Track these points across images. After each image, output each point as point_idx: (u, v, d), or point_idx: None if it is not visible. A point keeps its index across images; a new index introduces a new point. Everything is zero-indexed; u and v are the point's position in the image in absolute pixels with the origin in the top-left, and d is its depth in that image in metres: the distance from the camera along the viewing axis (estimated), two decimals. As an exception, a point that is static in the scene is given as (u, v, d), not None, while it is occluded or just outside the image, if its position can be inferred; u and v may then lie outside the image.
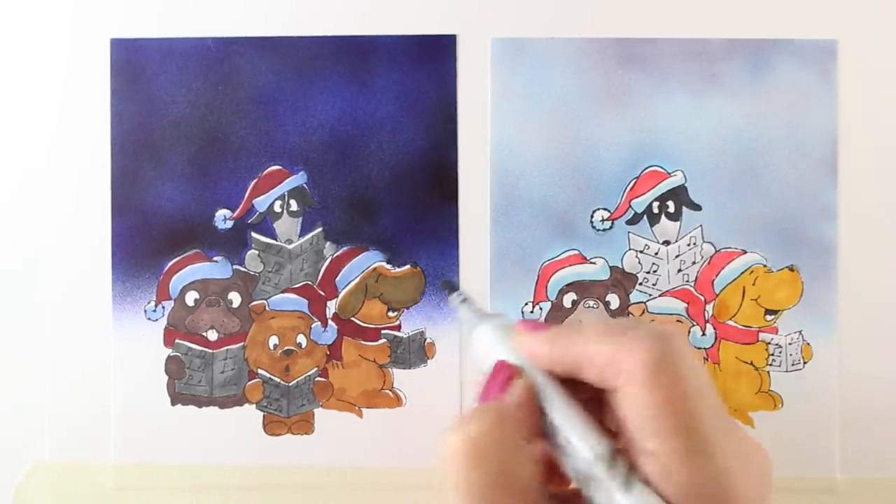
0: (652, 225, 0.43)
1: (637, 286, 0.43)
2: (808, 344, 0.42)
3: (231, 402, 0.43)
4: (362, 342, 0.43)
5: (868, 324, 0.42)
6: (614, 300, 0.43)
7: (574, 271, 0.43)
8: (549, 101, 0.43)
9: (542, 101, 0.43)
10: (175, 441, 0.43)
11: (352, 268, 0.43)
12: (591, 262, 0.43)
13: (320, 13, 0.43)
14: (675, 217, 0.43)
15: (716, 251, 0.43)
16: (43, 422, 0.43)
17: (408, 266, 0.43)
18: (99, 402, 0.43)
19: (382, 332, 0.43)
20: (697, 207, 0.43)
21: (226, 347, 0.43)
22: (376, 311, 0.43)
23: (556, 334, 0.26)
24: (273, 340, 0.43)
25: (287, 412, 0.43)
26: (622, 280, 0.43)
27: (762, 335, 0.43)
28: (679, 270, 0.43)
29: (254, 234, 0.43)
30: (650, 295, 0.43)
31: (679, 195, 0.43)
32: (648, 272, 0.43)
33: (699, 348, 0.43)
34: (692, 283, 0.43)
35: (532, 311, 0.43)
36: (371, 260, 0.43)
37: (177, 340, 0.43)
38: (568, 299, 0.43)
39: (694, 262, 0.43)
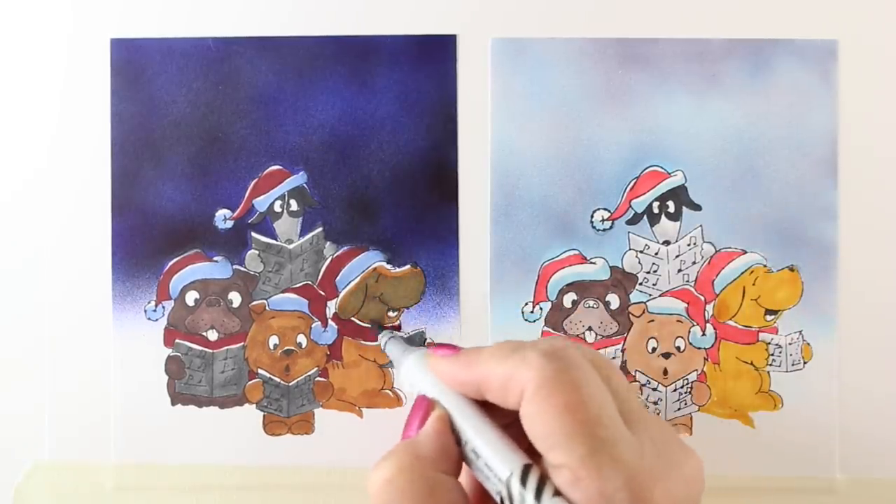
0: (652, 225, 0.43)
1: (637, 286, 0.43)
2: (808, 344, 0.42)
3: (231, 402, 0.43)
4: (362, 342, 0.43)
5: (868, 324, 0.42)
6: (614, 300, 0.43)
7: (574, 271, 0.43)
8: (549, 101, 0.43)
9: (542, 101, 0.43)
10: (175, 441, 0.43)
11: (352, 268, 0.43)
12: (592, 262, 0.43)
13: (320, 13, 0.43)
14: (675, 217, 0.43)
15: (716, 251, 0.43)
16: (43, 422, 0.43)
17: (408, 266, 0.43)
18: (99, 402, 0.43)
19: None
20: (697, 207, 0.43)
21: (226, 347, 0.43)
22: (376, 311, 0.43)
23: (463, 356, 0.27)
24: (273, 340, 0.43)
25: (287, 412, 0.43)
26: (622, 280, 0.43)
27: (762, 335, 0.43)
28: (679, 270, 0.43)
29: (254, 234, 0.43)
30: (650, 295, 0.43)
31: (679, 195, 0.43)
32: (648, 272, 0.43)
33: (699, 348, 0.43)
34: (692, 283, 0.43)
35: (532, 311, 0.43)
36: (371, 260, 0.43)
37: (177, 340, 0.43)
38: (568, 299, 0.43)
39: (694, 262, 0.43)
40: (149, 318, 0.43)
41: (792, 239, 0.42)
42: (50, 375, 0.43)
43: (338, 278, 0.43)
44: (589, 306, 0.43)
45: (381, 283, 0.43)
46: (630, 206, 0.43)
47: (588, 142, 0.43)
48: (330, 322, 0.43)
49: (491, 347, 0.27)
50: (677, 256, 0.43)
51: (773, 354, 0.43)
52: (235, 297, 0.43)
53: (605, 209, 0.43)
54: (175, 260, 0.43)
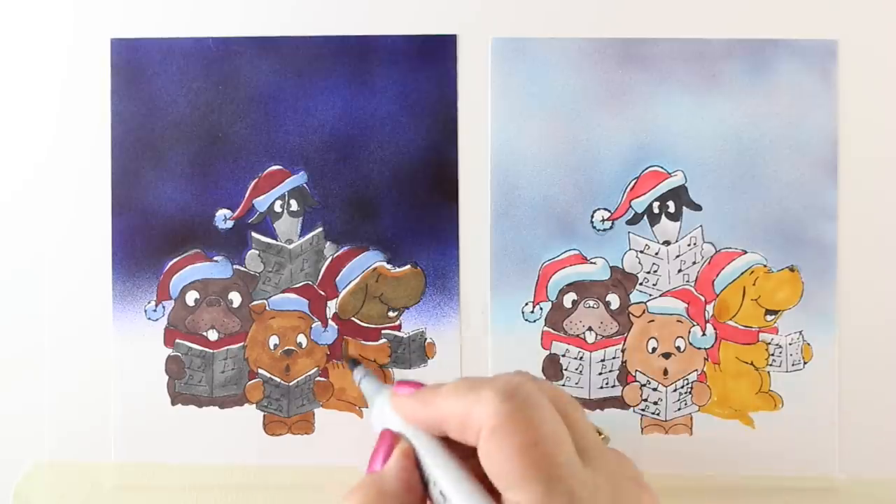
0: (652, 225, 0.43)
1: (637, 286, 0.43)
2: (808, 344, 0.42)
3: (231, 401, 0.43)
4: (363, 342, 0.43)
5: (868, 324, 0.42)
6: (614, 300, 0.43)
7: (574, 271, 0.43)
8: (549, 101, 0.43)
9: (542, 101, 0.43)
10: (175, 441, 0.43)
11: (352, 268, 0.43)
12: (592, 262, 0.43)
13: (320, 13, 0.43)
14: (675, 217, 0.43)
15: (716, 251, 0.43)
16: (43, 422, 0.43)
17: (408, 266, 0.43)
18: (99, 402, 0.43)
19: (383, 332, 0.43)
20: (698, 207, 0.43)
21: (226, 347, 0.43)
22: (376, 311, 0.43)
23: (421, 394, 0.28)
24: (273, 340, 0.43)
25: (287, 412, 0.43)
26: (622, 280, 0.43)
27: (762, 335, 0.43)
28: (679, 270, 0.43)
29: (254, 234, 0.43)
30: (650, 295, 0.43)
31: (679, 195, 0.43)
32: (649, 272, 0.43)
33: (699, 348, 0.43)
34: (692, 283, 0.43)
35: (532, 311, 0.43)
36: (371, 260, 0.43)
37: (177, 340, 0.43)
38: (568, 299, 0.43)
39: (694, 262, 0.43)
40: (149, 318, 0.43)
41: (792, 239, 0.42)
42: (50, 375, 0.43)
43: (338, 278, 0.43)
44: (589, 306, 0.43)
45: (382, 283, 0.43)
46: (630, 206, 0.43)
47: (588, 142, 0.43)
48: (330, 322, 0.43)
49: (450, 384, 0.27)
50: (677, 256, 0.43)
51: (773, 354, 0.43)
52: (235, 297, 0.43)
53: (605, 209, 0.43)
54: (175, 260, 0.43)
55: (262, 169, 0.43)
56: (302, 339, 0.43)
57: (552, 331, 0.43)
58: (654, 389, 0.43)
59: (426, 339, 0.43)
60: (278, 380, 0.43)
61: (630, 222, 0.43)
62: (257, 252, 0.43)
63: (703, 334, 0.43)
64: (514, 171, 0.43)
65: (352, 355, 0.43)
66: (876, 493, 0.42)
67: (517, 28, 0.43)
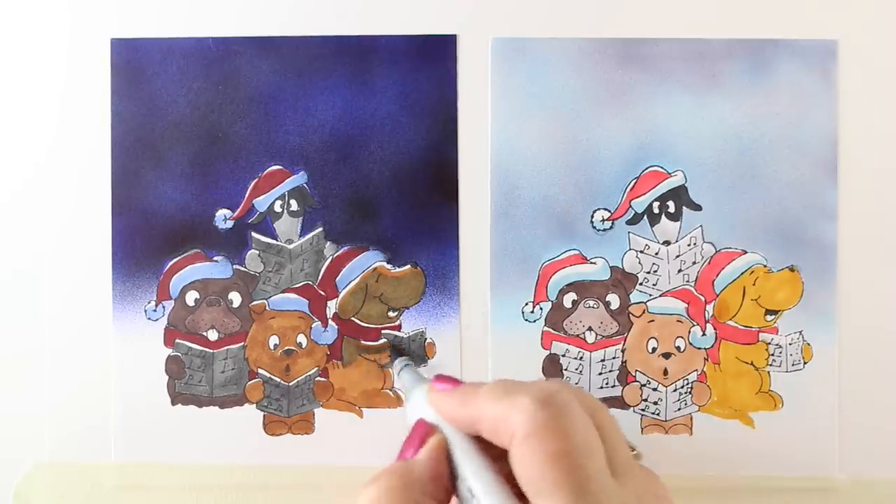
0: (652, 225, 0.43)
1: (637, 286, 0.43)
2: (808, 344, 0.42)
3: (231, 401, 0.43)
4: (363, 342, 0.43)
5: (868, 324, 0.42)
6: (614, 300, 0.43)
7: (574, 271, 0.43)
8: (549, 101, 0.43)
9: (542, 101, 0.43)
10: (175, 441, 0.43)
11: (352, 268, 0.43)
12: (592, 262, 0.43)
13: (320, 13, 0.43)
14: (675, 217, 0.43)
15: (716, 251, 0.43)
16: (43, 422, 0.43)
17: (408, 266, 0.43)
18: (99, 402, 0.43)
19: (383, 332, 0.43)
20: (698, 207, 0.43)
21: (226, 347, 0.43)
22: (376, 311, 0.43)
23: (459, 392, 0.28)
24: (273, 340, 0.43)
25: (287, 412, 0.43)
26: (622, 280, 0.43)
27: (762, 335, 0.43)
28: (679, 270, 0.43)
29: (254, 234, 0.43)
30: (650, 295, 0.43)
31: (679, 195, 0.43)
32: (649, 272, 0.43)
33: (699, 348, 0.43)
34: (692, 283, 0.43)
35: (532, 311, 0.43)
36: (371, 260, 0.43)
37: (177, 340, 0.43)
38: (568, 299, 0.43)
39: (694, 262, 0.43)
40: (149, 318, 0.43)
41: (792, 239, 0.42)
42: (50, 375, 0.43)
43: (338, 278, 0.43)
44: (589, 306, 0.43)
45: (382, 282, 0.43)
46: (630, 206, 0.43)
47: (588, 142, 0.43)
48: (330, 322, 0.43)
49: (488, 386, 0.27)
50: (677, 256, 0.43)
51: (773, 354, 0.43)
52: (235, 297, 0.43)
53: (605, 209, 0.43)
54: (175, 260, 0.43)
55: (262, 169, 0.43)
56: (302, 339, 0.43)
57: (552, 331, 0.43)
58: (654, 389, 0.43)
59: (426, 339, 0.43)
60: (278, 380, 0.43)
61: (630, 222, 0.43)
62: (257, 252, 0.43)
63: (703, 334, 0.43)
64: (514, 171, 0.43)
65: (395, 345, 0.42)
66: (876, 493, 0.42)
67: (517, 28, 0.43)
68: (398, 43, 0.43)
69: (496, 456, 0.26)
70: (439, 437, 0.27)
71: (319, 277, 0.43)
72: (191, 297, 0.43)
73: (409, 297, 0.43)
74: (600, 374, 0.43)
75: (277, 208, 0.43)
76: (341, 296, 0.43)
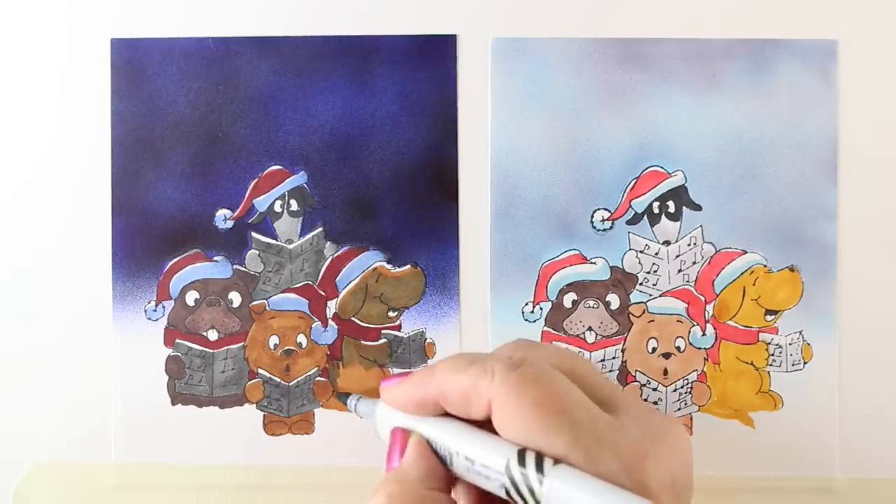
0: (652, 225, 0.43)
1: (637, 286, 0.43)
2: (809, 344, 0.42)
3: (231, 401, 0.43)
4: (363, 342, 0.43)
5: (868, 324, 0.42)
6: (614, 300, 0.43)
7: (574, 271, 0.43)
8: (549, 101, 0.43)
9: (542, 101, 0.43)
10: (175, 441, 0.43)
11: (352, 268, 0.43)
12: (592, 262, 0.43)
13: (321, 13, 0.43)
14: (675, 217, 0.43)
15: (716, 251, 0.43)
16: (43, 422, 0.43)
17: (408, 266, 0.43)
18: (99, 402, 0.43)
19: (383, 332, 0.43)
20: (698, 207, 0.43)
21: (226, 347, 0.43)
22: (376, 311, 0.43)
23: (412, 377, 0.28)
24: (273, 340, 0.43)
25: (287, 412, 0.43)
26: (622, 280, 0.43)
27: (762, 335, 0.43)
28: (679, 270, 0.43)
29: (254, 234, 0.43)
30: (650, 295, 0.43)
31: (679, 195, 0.43)
32: (649, 272, 0.43)
33: (699, 348, 0.43)
34: (692, 283, 0.43)
35: (532, 311, 0.43)
36: (371, 260, 0.43)
37: (177, 340, 0.43)
38: (568, 299, 0.43)
39: (694, 262, 0.43)
40: (149, 318, 0.43)
41: (792, 239, 0.42)
42: (50, 375, 0.43)
43: (338, 278, 0.43)
44: (589, 306, 0.43)
45: (382, 283, 0.43)
46: (630, 206, 0.43)
47: (588, 142, 0.43)
48: (330, 322, 0.43)
49: (444, 362, 0.27)
50: (677, 256, 0.43)
51: (773, 354, 0.43)
52: (235, 297, 0.43)
53: (605, 209, 0.43)
54: (175, 260, 0.43)
55: (262, 169, 0.43)
56: (302, 339, 0.43)
57: (552, 331, 0.43)
58: (654, 389, 0.43)
59: (426, 339, 0.43)
60: (278, 380, 0.43)
61: (630, 222, 0.43)
62: (257, 252, 0.43)
63: (703, 334, 0.43)
64: (514, 171, 0.43)
65: (341, 390, 0.42)
66: (876, 493, 0.42)
67: (517, 28, 0.43)
68: (398, 43, 0.43)
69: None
70: (416, 435, 0.27)
71: (319, 277, 0.43)
72: (191, 297, 0.43)
73: (409, 297, 0.43)
74: (600, 374, 0.43)
75: (277, 208, 0.43)
76: (341, 296, 0.43)
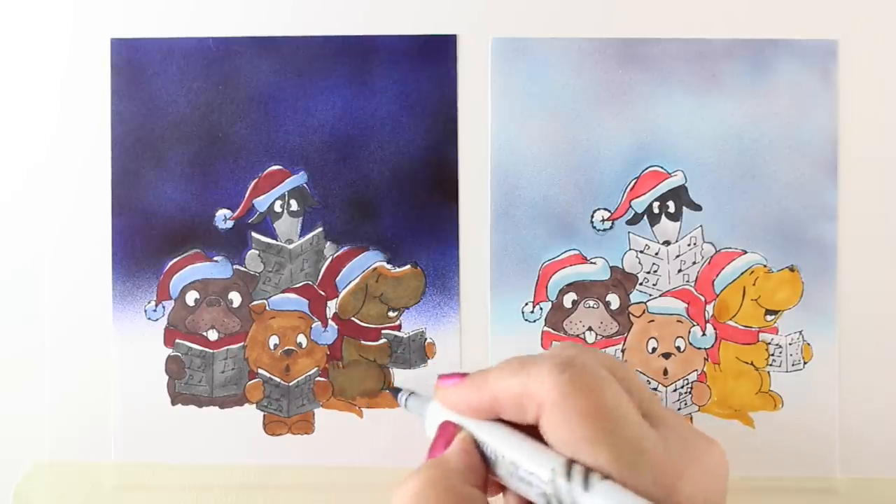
0: (652, 225, 0.43)
1: (637, 286, 0.43)
2: (808, 344, 0.42)
3: (231, 401, 0.43)
4: (363, 342, 0.43)
5: (868, 324, 0.42)
6: (614, 300, 0.43)
7: (574, 271, 0.43)
8: (549, 101, 0.43)
9: (542, 101, 0.43)
10: (175, 441, 0.43)
11: (352, 268, 0.43)
12: (592, 262, 0.43)
13: (321, 13, 0.43)
14: (675, 217, 0.43)
15: (716, 251, 0.43)
16: (43, 422, 0.43)
17: (408, 266, 0.43)
18: (99, 402, 0.43)
19: (383, 331, 0.43)
20: (698, 207, 0.43)
21: (226, 347, 0.43)
22: (376, 311, 0.43)
23: (468, 380, 0.28)
24: (273, 340, 0.43)
25: (287, 412, 0.43)
26: (622, 280, 0.43)
27: (762, 335, 0.43)
28: (679, 270, 0.43)
29: (254, 234, 0.43)
30: (650, 295, 0.43)
31: (679, 195, 0.43)
32: (649, 272, 0.43)
33: (699, 348, 0.43)
34: (692, 284, 0.43)
35: (532, 311, 0.43)
36: (371, 260, 0.43)
37: (177, 340, 0.43)
38: (568, 299, 0.43)
39: (694, 263, 0.43)
40: (149, 318, 0.43)
41: (792, 239, 0.42)
42: (50, 375, 0.43)
43: (338, 278, 0.43)
44: (589, 306, 0.43)
45: (382, 283, 0.43)
46: (630, 206, 0.43)
47: (588, 142, 0.43)
48: (330, 322, 0.43)
49: (498, 366, 0.27)
50: (677, 256, 0.43)
51: (773, 354, 0.43)
52: (235, 297, 0.43)
53: (605, 209, 0.43)
54: (175, 260, 0.43)
55: (262, 169, 0.43)
56: (302, 339, 0.43)
57: (552, 331, 0.43)
58: (654, 389, 0.43)
59: (426, 339, 0.43)
60: (278, 380, 0.43)
61: (630, 222, 0.43)
62: (257, 252, 0.43)
63: (703, 334, 0.43)
64: (514, 171, 0.43)
65: (394, 385, 0.42)
66: (876, 493, 0.42)
67: (517, 28, 0.43)
68: (398, 43, 0.43)
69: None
70: (464, 433, 0.27)
71: (319, 277, 0.43)
72: (191, 297, 0.43)
73: (409, 297, 0.43)
74: (600, 374, 0.43)
75: (277, 208, 0.43)
76: (341, 296, 0.43)
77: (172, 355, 0.43)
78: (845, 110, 0.42)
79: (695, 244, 0.43)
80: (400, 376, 0.43)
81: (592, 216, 0.43)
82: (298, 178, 0.43)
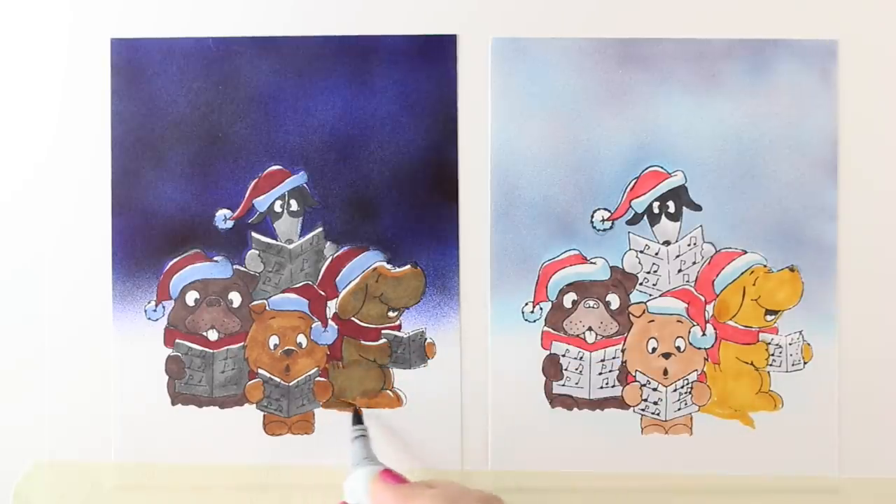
0: (652, 225, 0.43)
1: (637, 286, 0.43)
2: (808, 344, 0.42)
3: (231, 401, 0.43)
4: (363, 342, 0.43)
5: (868, 324, 0.42)
6: (614, 300, 0.43)
7: (574, 271, 0.43)
8: (549, 101, 0.43)
9: (542, 101, 0.43)
10: (175, 441, 0.43)
11: (352, 268, 0.43)
12: (592, 262, 0.43)
13: (321, 13, 0.43)
14: (675, 217, 0.43)
15: (716, 251, 0.43)
16: (43, 422, 0.43)
17: (408, 266, 0.43)
18: (99, 402, 0.43)
19: (383, 332, 0.43)
20: (698, 207, 0.43)
21: (226, 347, 0.43)
22: (376, 311, 0.43)
23: (400, 491, 0.32)
24: (273, 340, 0.43)
25: (287, 412, 0.43)
26: (622, 280, 0.43)
27: (762, 335, 0.43)
28: (679, 270, 0.43)
29: (254, 234, 0.43)
30: (650, 295, 0.43)
31: (679, 195, 0.43)
32: (649, 272, 0.43)
33: (699, 348, 0.43)
34: (692, 284, 0.43)
35: (532, 311, 0.43)
36: (371, 260, 0.43)
37: (177, 340, 0.43)
38: (568, 299, 0.43)
39: (694, 263, 0.43)
40: (149, 318, 0.43)
41: (792, 239, 0.42)
42: (50, 375, 0.43)
43: (338, 278, 0.43)
44: (589, 306, 0.43)
45: (382, 283, 0.43)
46: (630, 206, 0.43)
47: (588, 142, 0.43)
48: (330, 322, 0.43)
49: (433, 492, 0.30)
50: (677, 256, 0.43)
51: (773, 354, 0.43)
52: (235, 297, 0.43)
53: (605, 209, 0.43)
54: (175, 260, 0.43)
55: (262, 169, 0.43)
56: (302, 339, 0.43)
57: (552, 331, 0.43)
58: (654, 389, 0.43)
59: (426, 339, 0.43)
60: (278, 380, 0.43)
61: (630, 222, 0.43)
62: (257, 252, 0.43)
63: (703, 334, 0.43)
64: (514, 171, 0.43)
65: (359, 411, 0.43)
66: (876, 493, 0.42)
67: (517, 28, 0.43)
68: (398, 43, 0.43)
69: None
70: None
71: (319, 277, 0.43)
72: (191, 297, 0.43)
73: (409, 297, 0.43)
74: (600, 374, 0.43)
75: (277, 208, 0.43)
76: (341, 296, 0.43)
77: (172, 355, 0.43)
78: (845, 110, 0.42)
79: (695, 244, 0.43)
80: (400, 376, 0.43)
81: (592, 216, 0.43)
82: (298, 178, 0.43)
